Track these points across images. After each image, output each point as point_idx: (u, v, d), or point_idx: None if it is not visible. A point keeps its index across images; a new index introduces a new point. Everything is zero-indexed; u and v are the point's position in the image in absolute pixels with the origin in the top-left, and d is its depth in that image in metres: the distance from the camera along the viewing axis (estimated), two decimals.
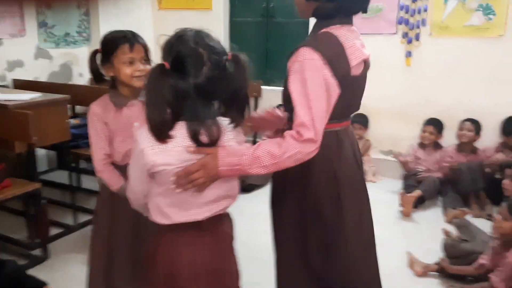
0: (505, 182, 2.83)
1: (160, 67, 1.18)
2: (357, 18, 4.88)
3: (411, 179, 3.94)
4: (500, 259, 2.22)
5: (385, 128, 4.38)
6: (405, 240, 3.12)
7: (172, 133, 1.20)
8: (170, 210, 1.26)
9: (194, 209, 1.27)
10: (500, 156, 3.63)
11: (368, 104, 4.34)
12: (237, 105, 1.26)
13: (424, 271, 2.62)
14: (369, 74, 4.87)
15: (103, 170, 1.75)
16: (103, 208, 1.85)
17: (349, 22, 1.53)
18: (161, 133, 1.18)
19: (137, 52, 1.67)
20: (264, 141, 1.34)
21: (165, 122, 1.19)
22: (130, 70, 1.67)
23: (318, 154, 1.35)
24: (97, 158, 1.75)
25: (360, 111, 4.31)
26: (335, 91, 1.40)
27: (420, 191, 3.57)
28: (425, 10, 4.02)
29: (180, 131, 1.21)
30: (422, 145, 4.09)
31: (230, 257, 1.41)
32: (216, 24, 4.99)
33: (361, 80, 1.57)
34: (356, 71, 1.47)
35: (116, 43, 1.67)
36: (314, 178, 1.51)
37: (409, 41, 4.12)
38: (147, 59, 1.71)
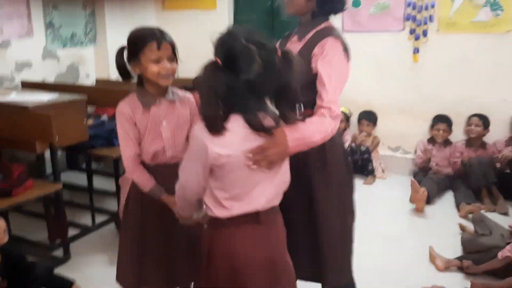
0: None
1: (212, 63, 1.22)
2: (364, 16, 4.91)
3: (420, 176, 3.97)
4: None
5: (393, 125, 4.41)
6: (420, 235, 3.13)
7: (227, 125, 1.23)
8: (229, 203, 1.29)
9: (253, 201, 1.30)
10: (509, 152, 3.66)
11: (376, 101, 4.41)
12: (287, 100, 1.31)
13: (446, 266, 2.64)
14: (377, 71, 4.91)
15: (133, 170, 1.74)
16: (134, 206, 1.83)
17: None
18: (217, 126, 1.22)
19: (164, 50, 1.65)
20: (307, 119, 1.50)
21: (219, 115, 1.23)
22: (157, 68, 1.64)
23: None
24: (127, 158, 1.73)
25: (368, 108, 4.46)
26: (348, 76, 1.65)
27: (426, 190, 3.57)
28: (433, 7, 4.04)
29: (235, 123, 1.25)
30: (432, 141, 4.12)
31: (286, 250, 1.43)
32: (220, 23, 4.99)
33: None
34: None
35: (144, 40, 1.64)
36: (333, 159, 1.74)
37: (417, 38, 4.15)
38: (174, 58, 1.69)
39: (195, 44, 5.09)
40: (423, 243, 2.97)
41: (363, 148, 4.26)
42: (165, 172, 1.72)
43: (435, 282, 2.45)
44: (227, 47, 1.23)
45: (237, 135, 1.24)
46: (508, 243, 2.62)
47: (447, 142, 4.08)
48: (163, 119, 1.72)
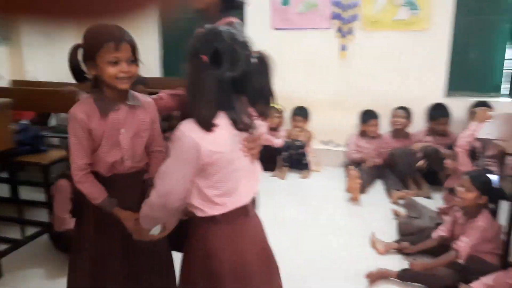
0: (447, 161, 3.10)
1: (199, 60, 1.23)
2: (293, 14, 5.00)
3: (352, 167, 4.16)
4: (462, 228, 2.43)
5: (324, 119, 4.57)
6: (359, 222, 3.28)
7: (216, 122, 1.24)
8: (221, 199, 1.29)
9: (242, 194, 1.34)
10: (419, 144, 3.95)
11: (307, 96, 4.54)
12: (263, 99, 1.33)
13: (386, 249, 2.78)
14: (307, 67, 5.05)
15: (83, 181, 1.60)
16: (89, 217, 1.70)
17: None
18: (209, 123, 1.23)
19: (123, 52, 1.52)
20: None
21: (211, 112, 1.24)
22: (115, 71, 1.52)
23: None
24: (77, 168, 1.59)
25: (300, 103, 4.58)
26: None
27: (360, 179, 3.74)
28: (357, 5, 4.25)
29: (221, 120, 1.25)
30: (363, 134, 4.33)
31: (267, 238, 1.49)
32: (148, 20, 4.85)
33: None
34: None
35: (101, 39, 1.51)
36: None
37: (343, 35, 4.34)
38: (134, 60, 1.56)
39: None
40: (362, 229, 3.11)
41: (297, 143, 4.36)
42: (123, 183, 1.63)
43: (378, 265, 2.57)
44: (214, 46, 1.23)
45: (225, 132, 1.26)
46: (437, 224, 2.84)
47: (376, 135, 4.32)
48: (122, 126, 1.61)
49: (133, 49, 1.56)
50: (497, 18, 4.11)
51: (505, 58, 4.14)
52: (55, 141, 4.01)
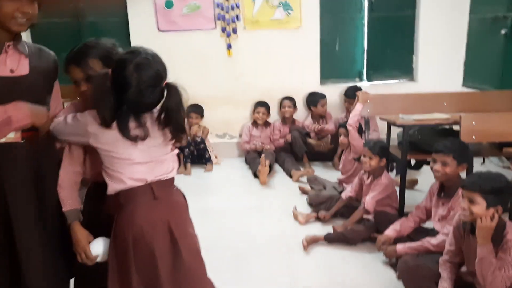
0: (341, 138, 3.67)
1: (105, 74, 1.46)
2: (178, 16, 5.20)
3: (252, 153, 4.56)
4: (368, 188, 2.98)
5: (218, 114, 4.87)
6: (272, 202, 3.69)
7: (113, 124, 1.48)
8: (118, 175, 1.52)
9: (139, 175, 1.54)
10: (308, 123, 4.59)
11: (200, 94, 4.79)
12: (171, 123, 1.53)
13: (306, 220, 3.23)
14: (197, 66, 5.27)
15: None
16: None
17: None
18: (105, 122, 1.46)
19: (74, 74, 1.56)
20: None
21: (110, 115, 1.46)
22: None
23: None
24: None
25: (195, 101, 4.80)
26: None
27: (268, 160, 4.19)
28: (238, 7, 4.63)
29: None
30: (255, 124, 4.75)
31: (186, 222, 1.66)
32: None
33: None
34: None
35: (64, 64, 1.58)
36: None
37: (228, 35, 4.68)
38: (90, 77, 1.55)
39: None
40: (278, 207, 3.53)
41: (198, 139, 4.59)
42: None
43: (304, 234, 2.99)
44: (118, 67, 1.45)
45: (115, 133, 1.48)
46: (341, 191, 3.39)
47: (267, 124, 4.78)
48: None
49: (84, 68, 1.56)
50: (354, 16, 4.89)
51: (364, 49, 4.95)
52: None
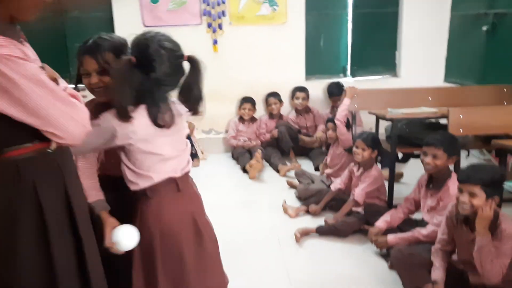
0: (329, 133, 3.71)
1: (128, 60, 1.44)
2: (163, 11, 5.17)
3: (240, 149, 4.58)
4: (358, 179, 3.03)
5: (204, 110, 4.85)
6: (262, 196, 3.71)
7: (133, 114, 1.46)
8: (147, 173, 1.52)
9: (167, 171, 1.56)
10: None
11: None
12: (192, 98, 1.59)
13: (296, 213, 3.27)
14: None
15: None
16: None
17: None
18: (126, 115, 1.44)
19: (88, 65, 1.59)
20: None
21: (128, 105, 1.44)
22: (86, 83, 1.62)
23: None
24: None
25: None
26: None
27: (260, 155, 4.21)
28: (224, 2, 4.62)
29: (141, 113, 1.48)
30: (241, 120, 4.77)
31: (203, 211, 1.72)
32: None
33: None
34: None
35: (77, 54, 1.62)
36: None
37: (214, 31, 4.67)
38: (104, 70, 1.58)
39: None
40: (267, 202, 3.56)
41: None
42: None
43: (295, 227, 3.02)
44: (142, 49, 1.44)
45: (142, 123, 1.48)
46: (329, 185, 3.44)
47: (253, 119, 4.80)
48: None
49: (101, 60, 1.58)
50: (339, 12, 4.95)
51: (348, 45, 5.01)
52: None
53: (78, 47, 1.64)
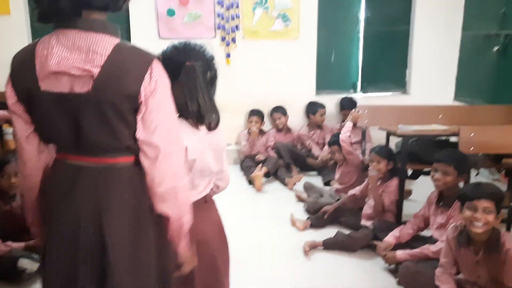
0: (336, 156, 3.74)
1: (192, 66, 1.47)
2: (179, 24, 5.27)
3: (248, 162, 4.61)
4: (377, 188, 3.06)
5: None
6: (270, 209, 3.74)
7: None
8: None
9: (201, 188, 1.57)
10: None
11: None
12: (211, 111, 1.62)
13: (304, 226, 3.28)
14: None
15: None
16: None
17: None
18: (202, 119, 1.49)
19: None
20: None
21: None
22: None
23: None
24: None
25: None
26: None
27: (266, 168, 4.25)
28: (238, 17, 4.71)
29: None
30: (249, 133, 4.82)
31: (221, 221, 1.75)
32: (15, 29, 4.56)
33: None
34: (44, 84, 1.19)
35: None
36: None
37: (227, 44, 4.75)
38: None
39: None
40: (274, 214, 3.57)
41: None
42: None
43: (303, 240, 3.04)
44: (202, 54, 1.56)
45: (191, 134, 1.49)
46: (337, 199, 3.46)
47: (261, 132, 4.84)
48: None
49: None
50: (350, 29, 5.02)
51: (359, 61, 5.07)
52: None
53: None
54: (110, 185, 1.21)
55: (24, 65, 1.18)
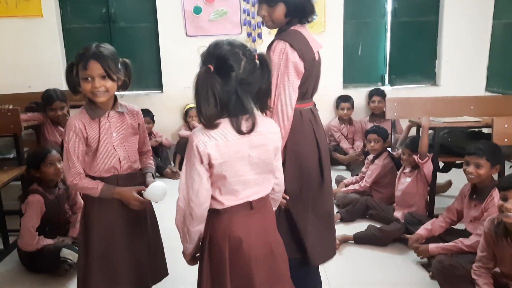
0: (371, 145, 3.66)
1: (206, 69, 1.36)
2: (205, 22, 5.28)
3: None
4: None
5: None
6: None
7: (220, 125, 1.38)
8: (222, 197, 1.44)
9: (243, 195, 1.46)
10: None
11: None
12: (262, 97, 1.45)
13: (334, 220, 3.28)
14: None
15: (80, 182, 1.77)
16: (94, 220, 1.84)
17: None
18: (212, 123, 1.36)
19: (92, 70, 1.67)
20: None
21: (215, 114, 1.36)
22: (89, 87, 1.69)
23: None
24: (73, 175, 1.76)
25: None
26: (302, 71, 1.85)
27: None
28: None
29: (225, 126, 1.39)
30: None
31: (275, 229, 1.64)
32: (48, 32, 4.69)
33: (319, 65, 2.05)
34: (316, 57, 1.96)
35: (76, 59, 1.70)
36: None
37: (254, 40, 4.78)
38: (108, 75, 1.69)
39: (20, 54, 4.66)
40: None
41: None
42: (121, 184, 1.82)
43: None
44: (216, 54, 1.38)
45: (228, 139, 1.38)
46: (368, 194, 3.45)
47: None
48: (113, 130, 1.80)
49: (106, 65, 1.68)
50: (377, 21, 4.96)
51: (387, 53, 5.01)
52: None
53: (79, 53, 1.70)
54: None
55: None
